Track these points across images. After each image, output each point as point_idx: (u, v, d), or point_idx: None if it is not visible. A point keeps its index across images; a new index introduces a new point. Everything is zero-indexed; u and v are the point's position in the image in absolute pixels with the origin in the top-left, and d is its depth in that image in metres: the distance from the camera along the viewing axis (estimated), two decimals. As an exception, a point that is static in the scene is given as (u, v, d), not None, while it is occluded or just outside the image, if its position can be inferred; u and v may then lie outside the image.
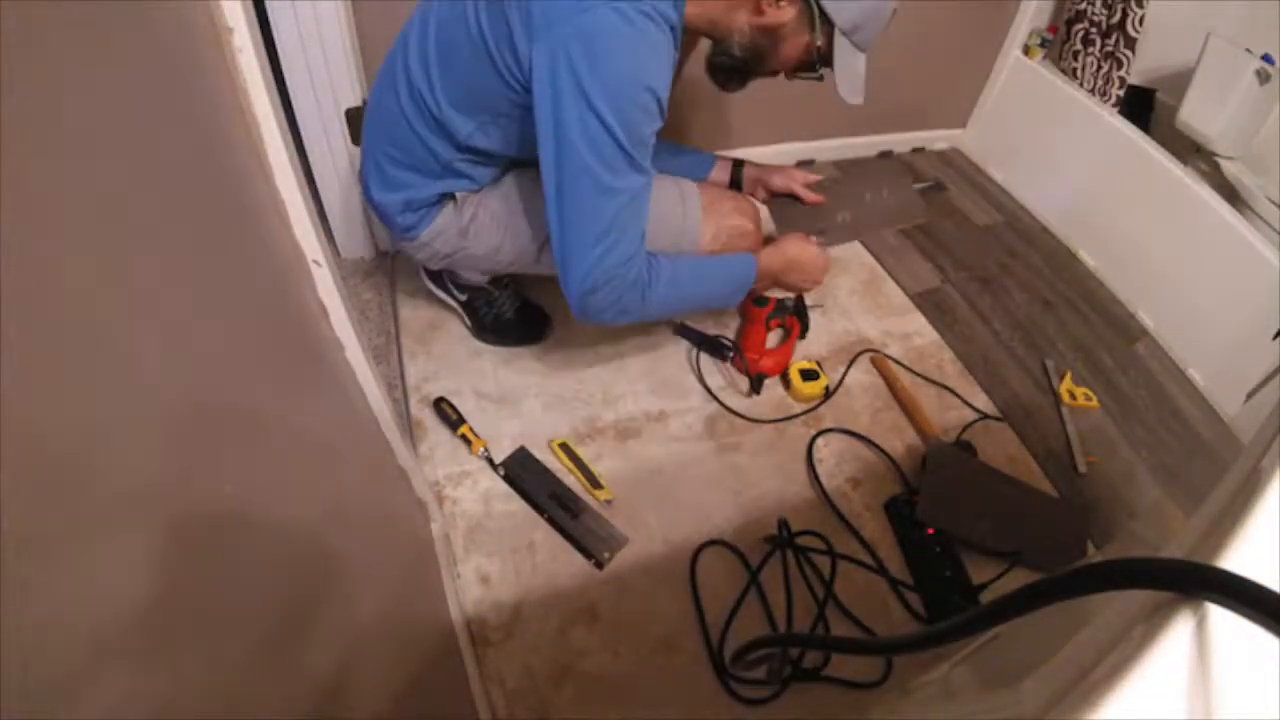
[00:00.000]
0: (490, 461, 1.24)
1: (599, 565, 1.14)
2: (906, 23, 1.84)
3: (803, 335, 1.54)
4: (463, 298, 1.40)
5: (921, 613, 1.16)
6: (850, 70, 1.03)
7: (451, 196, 1.13)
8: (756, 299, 1.44)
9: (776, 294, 1.41)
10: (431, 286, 1.44)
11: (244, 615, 0.44)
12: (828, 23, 0.99)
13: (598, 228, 0.94)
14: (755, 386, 1.41)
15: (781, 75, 1.10)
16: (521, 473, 1.23)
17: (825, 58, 1.03)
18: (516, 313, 1.42)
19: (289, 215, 0.62)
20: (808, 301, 1.55)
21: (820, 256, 1.24)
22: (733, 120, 1.88)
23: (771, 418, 1.39)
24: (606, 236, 0.94)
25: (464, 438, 1.25)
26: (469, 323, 1.43)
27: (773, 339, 1.50)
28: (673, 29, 0.91)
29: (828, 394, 1.44)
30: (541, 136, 0.91)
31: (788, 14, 0.98)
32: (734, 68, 1.07)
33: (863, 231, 1.48)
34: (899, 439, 1.41)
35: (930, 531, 1.22)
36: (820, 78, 1.07)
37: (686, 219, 1.17)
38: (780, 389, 1.46)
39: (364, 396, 0.83)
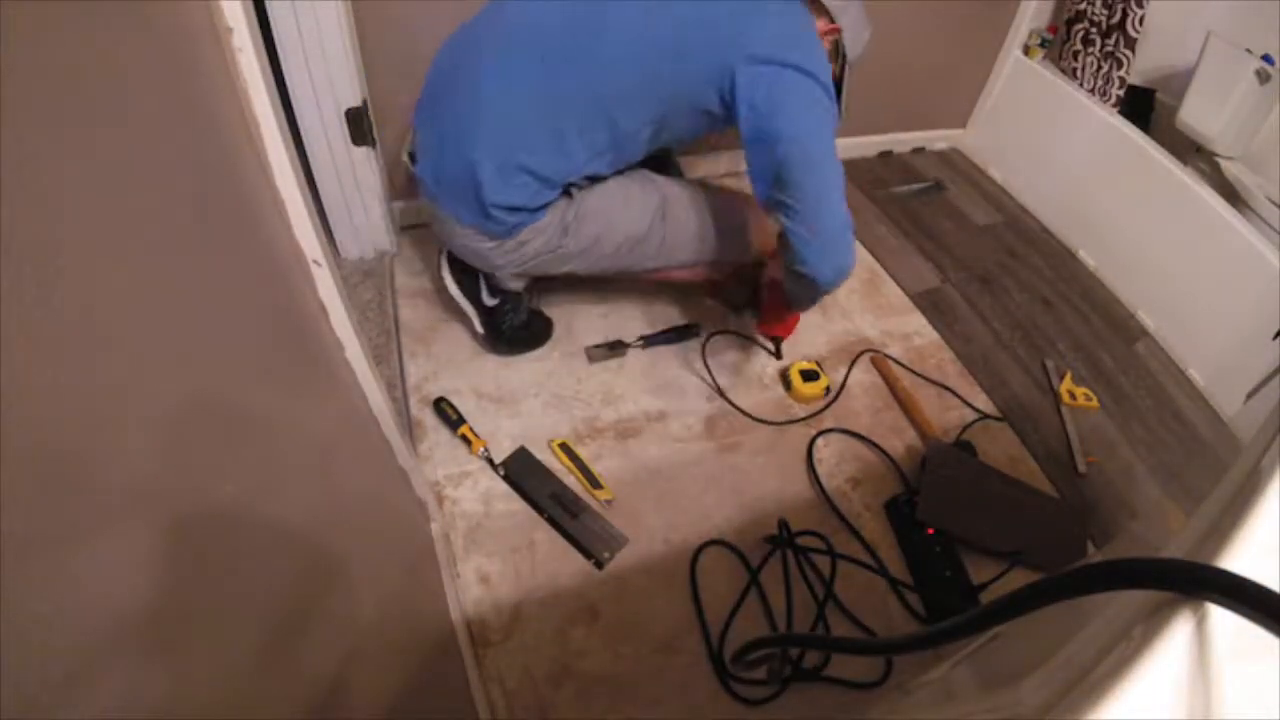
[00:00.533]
0: (490, 461, 1.24)
1: (599, 565, 1.14)
2: (907, 23, 1.85)
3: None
4: (493, 302, 1.35)
5: (921, 613, 1.16)
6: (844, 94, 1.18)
7: (566, 193, 1.17)
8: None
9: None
10: (456, 291, 1.35)
11: (244, 615, 0.44)
12: (843, 55, 1.17)
13: (839, 192, 1.10)
14: (778, 349, 1.44)
15: None
16: (522, 473, 1.23)
17: (839, 86, 1.17)
18: (529, 319, 1.42)
19: (289, 215, 0.62)
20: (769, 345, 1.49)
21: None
22: (733, 120, 1.88)
23: (771, 418, 1.39)
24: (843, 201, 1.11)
25: (464, 437, 1.25)
26: (484, 329, 1.37)
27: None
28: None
29: (828, 394, 1.44)
30: (771, 135, 1.04)
31: (829, 40, 1.16)
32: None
33: None
34: (899, 439, 1.41)
35: (930, 531, 1.22)
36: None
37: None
38: (780, 389, 1.46)
39: (364, 396, 0.83)
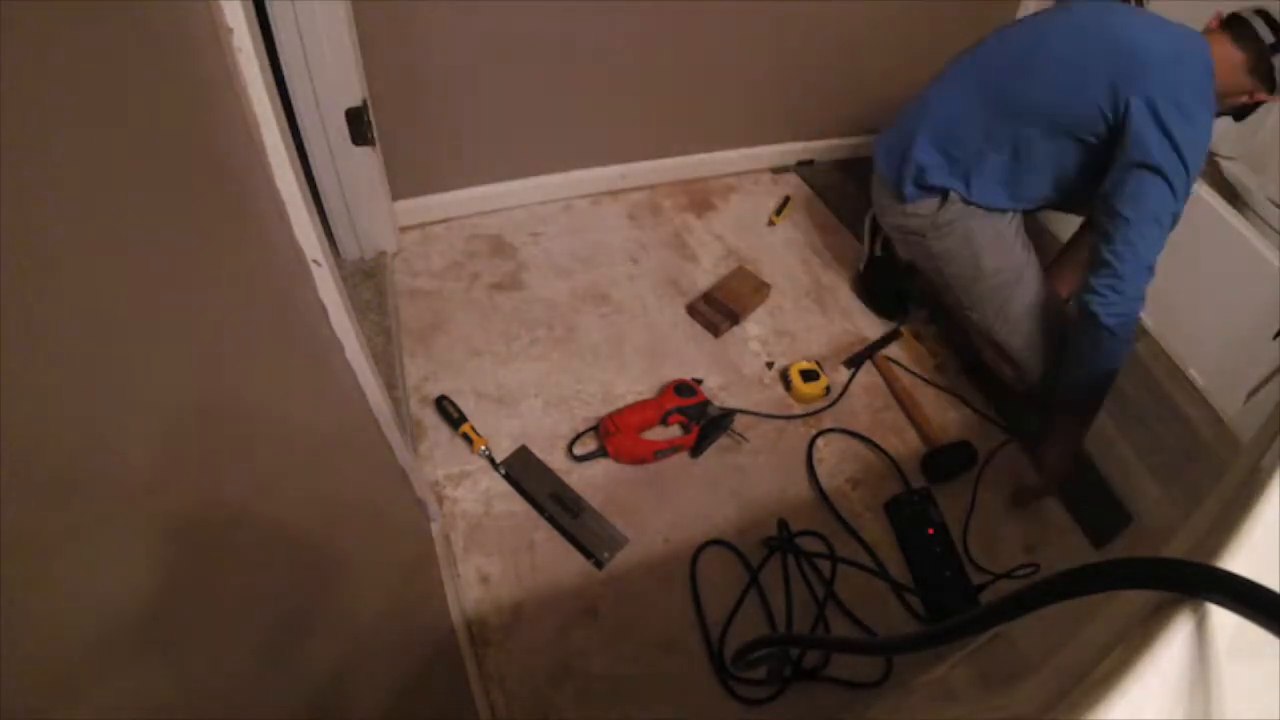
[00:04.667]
0: (491, 460, 1.24)
1: (599, 565, 1.14)
2: (907, 22, 1.85)
3: (694, 453, 1.31)
4: (880, 254, 1.64)
5: (921, 613, 1.16)
6: None
7: (944, 195, 1.33)
8: (681, 386, 1.34)
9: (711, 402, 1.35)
10: (868, 228, 1.65)
11: (244, 615, 0.44)
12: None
13: (1153, 258, 1.17)
14: (578, 454, 1.27)
15: None
16: (522, 472, 1.23)
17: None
18: (895, 294, 1.63)
19: (289, 215, 0.62)
20: (737, 433, 1.34)
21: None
22: (734, 120, 1.88)
23: (773, 417, 1.39)
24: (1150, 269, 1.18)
25: (465, 436, 1.25)
26: (863, 270, 1.67)
27: (657, 432, 1.33)
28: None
29: (829, 395, 1.44)
30: (1123, 170, 1.13)
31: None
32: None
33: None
34: (899, 439, 1.41)
35: (930, 532, 1.22)
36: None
37: None
38: (780, 389, 1.46)
39: (364, 397, 0.83)
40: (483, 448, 1.24)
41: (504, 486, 1.22)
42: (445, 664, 0.97)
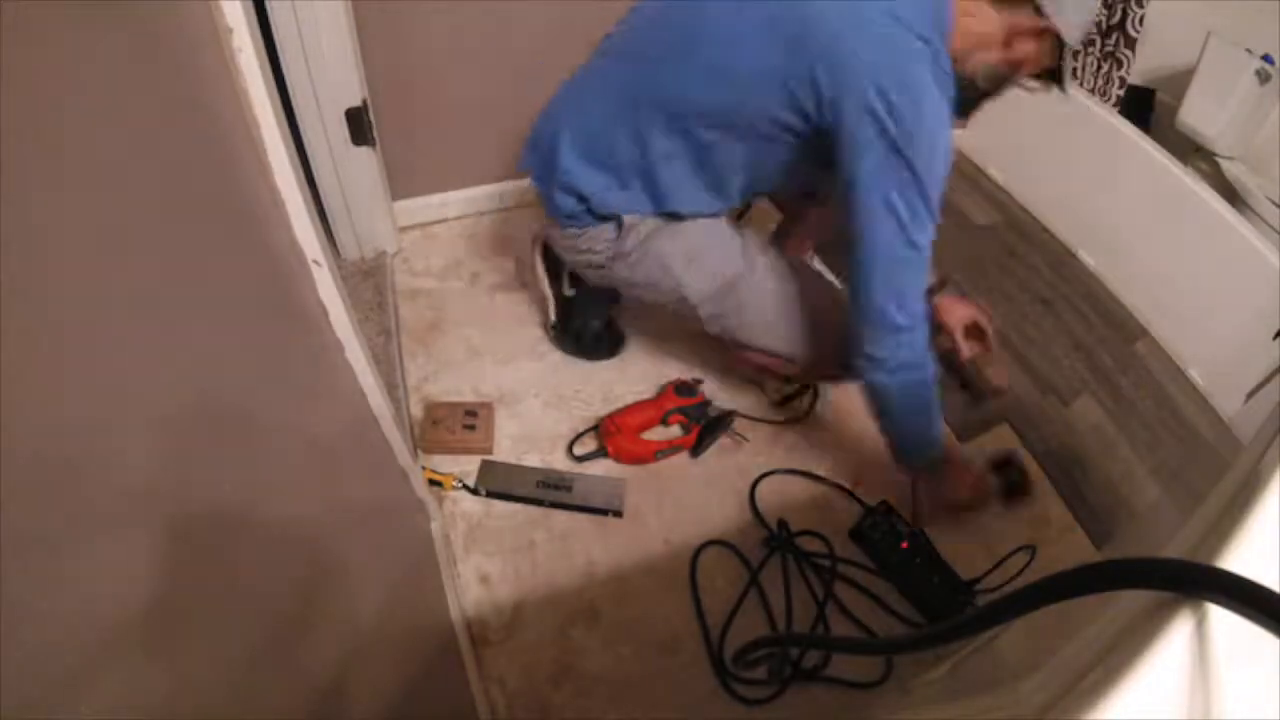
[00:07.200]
0: (468, 488, 1.19)
1: (618, 515, 1.16)
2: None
3: (694, 452, 1.30)
4: (571, 292, 1.33)
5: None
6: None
7: (619, 221, 1.08)
8: (681, 386, 1.33)
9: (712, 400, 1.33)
10: (540, 270, 1.34)
11: (244, 615, 0.44)
12: (1060, 44, 0.98)
13: (898, 283, 0.98)
14: (578, 454, 1.27)
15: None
16: (500, 482, 1.20)
17: (1056, 73, 1.05)
18: (604, 327, 1.41)
19: (289, 215, 0.62)
20: (738, 434, 1.33)
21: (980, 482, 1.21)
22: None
23: (770, 417, 1.39)
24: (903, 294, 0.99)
25: (432, 481, 1.16)
26: (555, 319, 1.37)
27: (657, 432, 1.32)
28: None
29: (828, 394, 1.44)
30: (851, 184, 0.90)
31: (1032, 46, 0.99)
32: (975, 100, 1.06)
33: None
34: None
35: (904, 546, 1.17)
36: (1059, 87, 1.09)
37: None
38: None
39: (364, 397, 0.83)
40: (455, 482, 1.18)
41: (504, 486, 1.22)
42: (445, 664, 0.97)
